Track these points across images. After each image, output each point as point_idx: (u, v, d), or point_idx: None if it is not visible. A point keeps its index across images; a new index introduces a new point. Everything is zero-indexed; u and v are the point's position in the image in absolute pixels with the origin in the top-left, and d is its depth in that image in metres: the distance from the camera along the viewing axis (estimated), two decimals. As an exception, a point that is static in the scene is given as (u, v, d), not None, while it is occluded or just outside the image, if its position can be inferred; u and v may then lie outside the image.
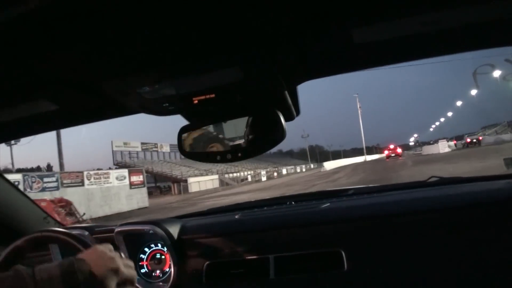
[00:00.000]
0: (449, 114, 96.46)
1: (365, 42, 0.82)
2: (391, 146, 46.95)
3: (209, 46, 0.77)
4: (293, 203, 1.75)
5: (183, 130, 1.12)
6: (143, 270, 1.59)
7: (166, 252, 1.56)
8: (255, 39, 0.76)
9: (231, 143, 1.09)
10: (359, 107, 76.13)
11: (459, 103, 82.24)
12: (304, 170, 59.39)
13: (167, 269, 1.56)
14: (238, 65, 0.84)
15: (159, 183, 44.49)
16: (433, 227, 1.29)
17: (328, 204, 1.55)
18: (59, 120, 1.21)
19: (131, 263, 0.95)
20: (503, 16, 0.75)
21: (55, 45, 0.70)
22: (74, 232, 1.22)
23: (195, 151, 1.14)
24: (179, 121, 1.11)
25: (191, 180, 40.86)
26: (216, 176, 45.38)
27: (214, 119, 1.10)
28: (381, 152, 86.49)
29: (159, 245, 1.60)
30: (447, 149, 37.87)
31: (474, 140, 39.35)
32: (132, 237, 1.59)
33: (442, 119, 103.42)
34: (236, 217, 1.62)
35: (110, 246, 0.95)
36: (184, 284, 1.48)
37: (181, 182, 40.60)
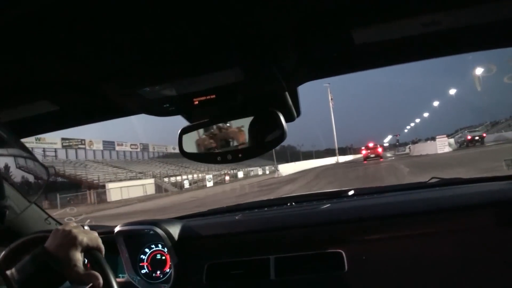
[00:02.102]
0: (425, 114, 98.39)
1: (366, 43, 0.87)
2: (370, 145, 40.55)
3: (209, 47, 0.82)
4: (293, 204, 1.84)
5: (183, 131, 1.16)
6: (143, 271, 1.68)
7: (166, 252, 1.65)
8: (256, 40, 0.81)
9: (231, 144, 1.13)
10: (331, 98, 71.53)
11: (436, 103, 74.25)
12: (267, 172, 54.03)
13: (168, 270, 1.65)
14: (239, 66, 0.88)
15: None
16: (434, 228, 1.36)
17: (329, 205, 1.64)
18: (60, 120, 1.28)
19: (94, 233, 1.03)
20: (503, 17, 0.80)
21: (56, 46, 0.75)
22: None
23: (196, 152, 1.17)
24: (179, 121, 1.12)
25: (110, 185, 34.13)
26: (151, 181, 38.78)
27: (215, 120, 1.14)
28: (357, 153, 76.04)
29: (159, 245, 1.69)
30: (447, 149, 31.86)
31: (477, 138, 34.40)
32: (132, 237, 1.68)
33: (417, 120, 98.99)
34: (237, 217, 1.71)
35: (72, 223, 1.04)
36: (184, 285, 1.57)
37: (99, 189, 34.08)
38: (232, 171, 49.70)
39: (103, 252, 1.02)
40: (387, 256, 1.35)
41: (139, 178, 39.42)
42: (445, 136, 37.69)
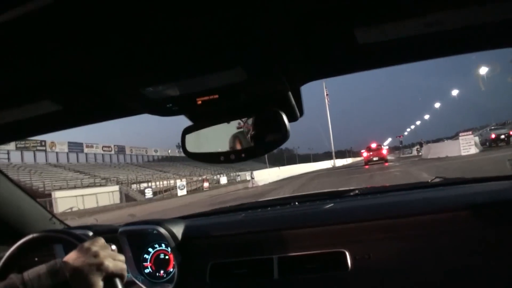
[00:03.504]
0: (426, 117, 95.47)
1: (369, 43, 0.87)
2: (373, 145, 34.81)
3: (212, 46, 0.83)
4: (296, 203, 1.86)
5: (186, 130, 1.17)
6: (147, 271, 1.73)
7: (170, 252, 1.70)
8: (259, 40, 0.82)
9: (234, 143, 1.14)
10: (326, 94, 66.06)
11: (437, 105, 71.47)
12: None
13: (171, 269, 1.69)
14: (242, 65, 0.90)
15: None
16: (437, 228, 1.37)
17: (332, 204, 1.68)
18: (63, 121, 1.28)
19: (121, 257, 1.05)
20: (507, 16, 0.80)
21: (59, 46, 0.76)
22: (78, 231, 1.34)
23: (198, 152, 1.18)
24: (182, 121, 1.14)
25: (58, 194, 28.01)
26: (115, 188, 32.42)
27: (218, 120, 1.15)
28: (356, 156, 69.99)
29: (163, 245, 1.74)
30: (473, 150, 24.52)
31: (502, 137, 28.91)
32: (136, 237, 1.73)
33: (418, 122, 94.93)
34: (240, 217, 1.76)
35: (101, 241, 1.04)
36: (188, 284, 1.62)
37: (45, 198, 27.31)
38: (217, 176, 46.43)
39: (125, 280, 1.03)
40: (391, 255, 1.38)
41: (100, 185, 35.50)
42: (470, 132, 29.58)
